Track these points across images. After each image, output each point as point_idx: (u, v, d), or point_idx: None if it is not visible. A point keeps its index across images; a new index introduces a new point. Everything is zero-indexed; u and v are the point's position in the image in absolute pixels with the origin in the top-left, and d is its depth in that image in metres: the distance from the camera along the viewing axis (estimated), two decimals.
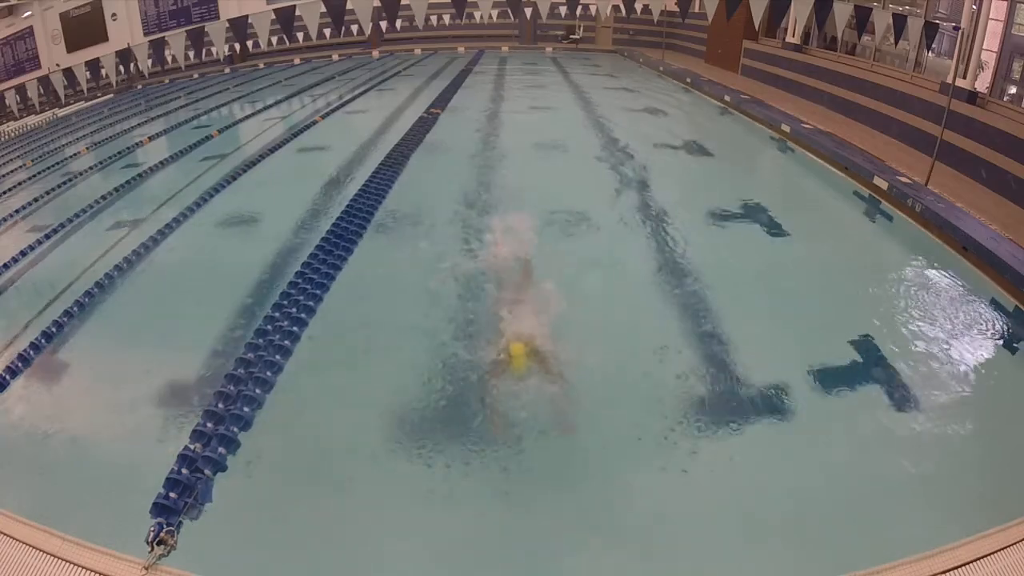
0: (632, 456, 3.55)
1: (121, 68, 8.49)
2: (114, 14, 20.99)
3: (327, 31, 15.65)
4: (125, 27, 20.87)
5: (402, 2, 7.29)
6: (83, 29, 20.96)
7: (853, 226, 6.95)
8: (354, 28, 16.13)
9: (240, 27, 7.30)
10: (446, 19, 19.01)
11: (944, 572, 2.65)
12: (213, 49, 7.92)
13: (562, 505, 3.23)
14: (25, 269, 6.43)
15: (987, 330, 4.72)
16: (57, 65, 17.61)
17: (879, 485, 3.32)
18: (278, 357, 4.26)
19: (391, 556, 3.03)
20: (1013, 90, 8.37)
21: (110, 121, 15.11)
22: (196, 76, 21.02)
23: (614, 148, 9.13)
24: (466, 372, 4.15)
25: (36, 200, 8.69)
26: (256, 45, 13.07)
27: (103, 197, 8.28)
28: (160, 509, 3.08)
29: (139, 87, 20.73)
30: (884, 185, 7.17)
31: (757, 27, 11.04)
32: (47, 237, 7.09)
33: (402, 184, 7.76)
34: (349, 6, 7.10)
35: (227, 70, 21.68)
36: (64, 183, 9.46)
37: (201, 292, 5.58)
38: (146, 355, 4.61)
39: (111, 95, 19.53)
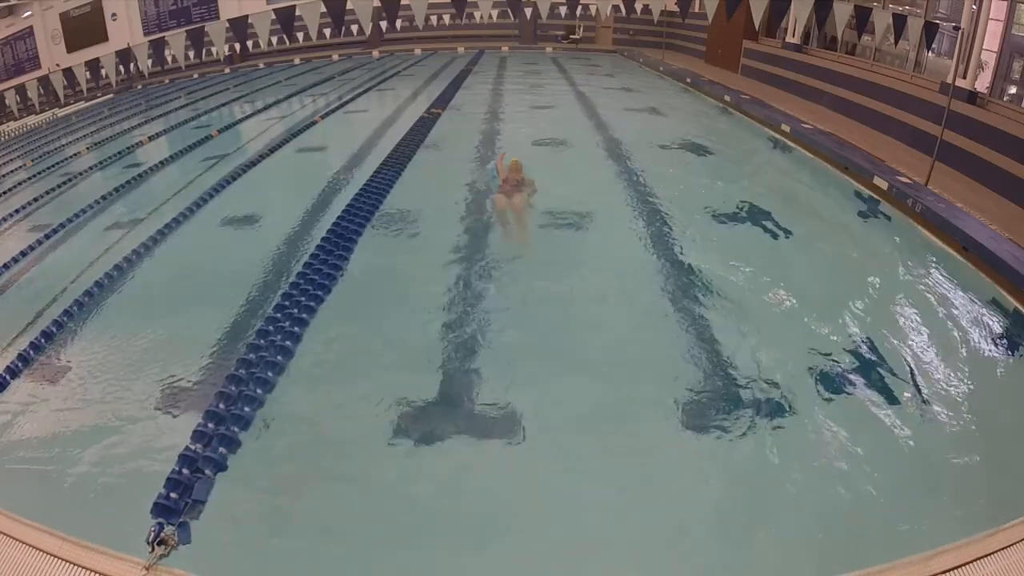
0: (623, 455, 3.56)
1: (121, 68, 8.49)
2: (114, 14, 21.01)
3: (327, 31, 15.66)
4: (125, 27, 20.90)
5: (402, 2, 7.29)
6: (83, 29, 20.99)
7: (853, 226, 6.95)
8: (354, 28, 16.14)
9: (240, 27, 7.30)
10: (446, 19, 19.04)
11: (944, 572, 2.65)
12: (213, 49, 7.92)
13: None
14: (25, 269, 6.43)
15: (987, 330, 4.72)
16: (57, 65, 17.61)
17: (877, 485, 3.32)
18: (279, 358, 4.26)
19: (392, 555, 3.03)
20: (1013, 90, 8.37)
21: (110, 121, 15.12)
22: (196, 76, 21.02)
23: (614, 148, 9.13)
24: (468, 371, 4.15)
25: (36, 200, 8.70)
26: (256, 45, 13.05)
27: (103, 197, 8.28)
28: (161, 509, 3.08)
29: (139, 87, 20.73)
30: (884, 185, 7.17)
31: (757, 27, 11.04)
32: (47, 237, 7.09)
33: (403, 184, 7.76)
34: (349, 6, 7.10)
35: (227, 70, 21.67)
36: (64, 183, 9.47)
37: (201, 292, 5.58)
38: (146, 355, 4.61)
39: (111, 95, 19.53)
